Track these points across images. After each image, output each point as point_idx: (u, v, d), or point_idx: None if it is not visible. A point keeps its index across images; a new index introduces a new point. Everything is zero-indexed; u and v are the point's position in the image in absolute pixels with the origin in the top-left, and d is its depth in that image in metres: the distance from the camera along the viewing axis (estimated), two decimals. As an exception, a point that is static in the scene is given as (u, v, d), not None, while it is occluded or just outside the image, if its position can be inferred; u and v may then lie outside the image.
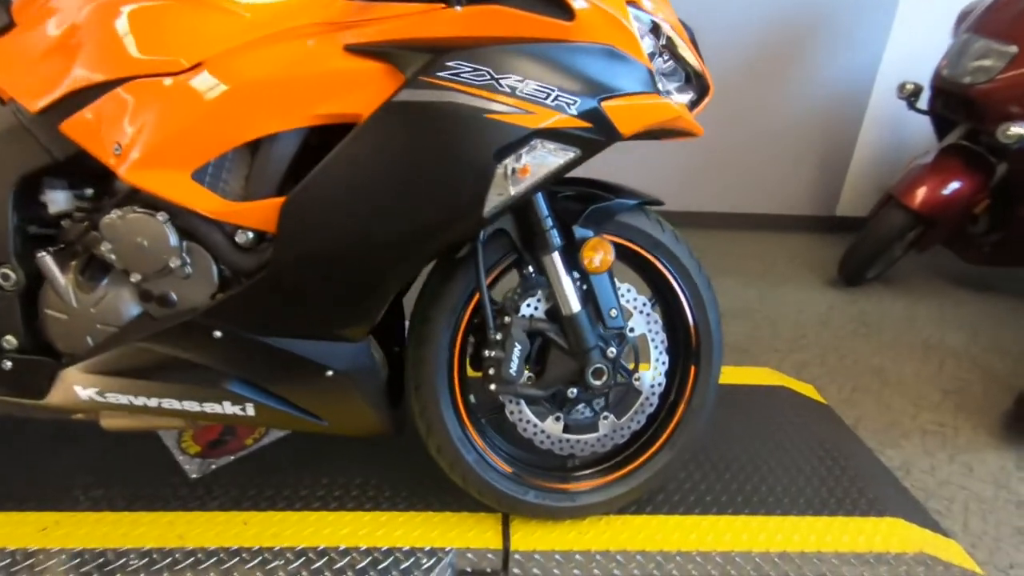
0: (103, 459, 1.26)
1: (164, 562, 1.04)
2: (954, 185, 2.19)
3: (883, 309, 2.35)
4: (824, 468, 1.34)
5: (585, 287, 1.02)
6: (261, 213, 0.86)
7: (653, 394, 1.13)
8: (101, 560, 1.04)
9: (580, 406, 1.12)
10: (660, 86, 0.90)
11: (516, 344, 1.00)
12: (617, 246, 1.05)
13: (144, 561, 1.04)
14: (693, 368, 1.16)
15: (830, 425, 1.58)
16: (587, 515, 1.16)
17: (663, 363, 1.13)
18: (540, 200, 0.98)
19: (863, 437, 1.59)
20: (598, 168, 1.02)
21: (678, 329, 1.15)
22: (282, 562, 1.05)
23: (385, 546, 1.09)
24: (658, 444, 1.17)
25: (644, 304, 1.10)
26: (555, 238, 0.99)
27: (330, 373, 0.94)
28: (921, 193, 2.22)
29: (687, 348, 1.16)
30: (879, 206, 2.44)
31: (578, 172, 0.93)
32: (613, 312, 1.04)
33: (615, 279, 1.06)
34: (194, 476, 1.23)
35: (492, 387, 1.01)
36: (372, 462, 1.28)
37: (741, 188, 3.18)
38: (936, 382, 1.88)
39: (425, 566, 1.06)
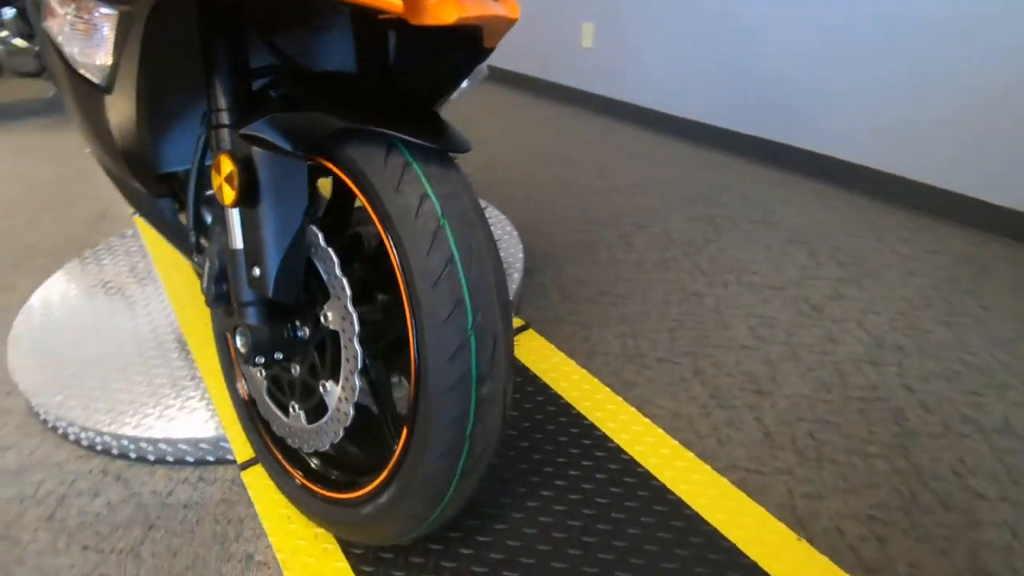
0: None
1: None
2: None
3: None
4: None
5: None
6: None
7: (339, 422, 0.73)
8: None
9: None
10: None
11: (212, 259, 0.81)
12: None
13: None
14: (405, 432, 0.67)
15: None
16: (295, 506, 0.90)
17: (353, 388, 0.70)
18: (220, 77, 0.71)
19: None
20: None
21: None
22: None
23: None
24: (352, 492, 0.77)
25: (343, 290, 0.68)
26: (220, 136, 0.71)
27: (134, 214, 1.02)
28: None
29: (411, 400, 0.67)
30: None
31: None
32: (256, 271, 0.70)
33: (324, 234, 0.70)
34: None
35: None
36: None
37: None
38: None
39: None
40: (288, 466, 0.89)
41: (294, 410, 0.82)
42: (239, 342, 0.76)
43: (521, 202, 2.15)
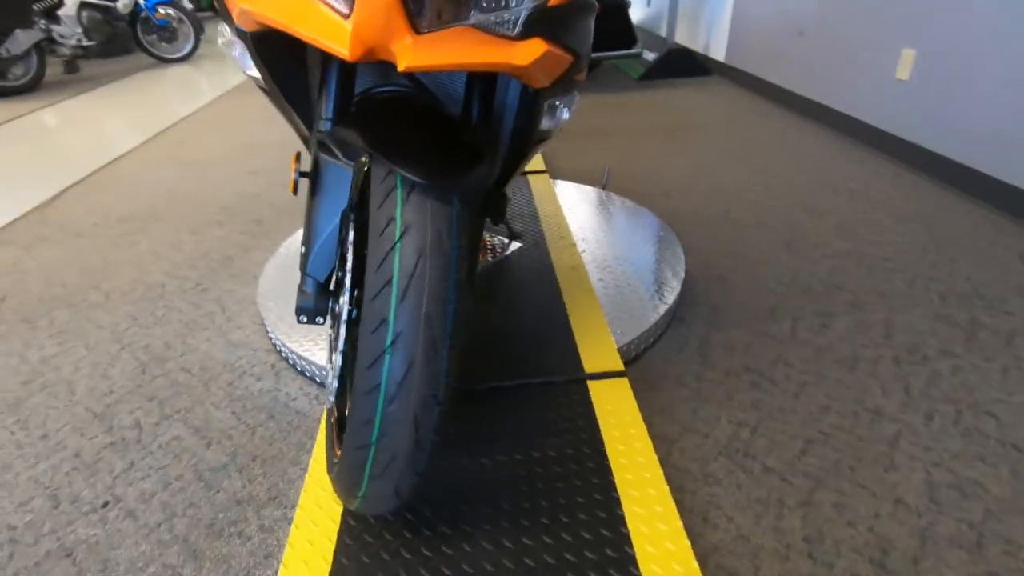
0: None
1: None
2: None
3: None
4: None
5: None
6: None
7: (331, 390, 0.83)
8: None
9: None
10: None
11: None
12: None
13: None
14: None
15: None
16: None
17: (335, 365, 0.79)
18: (325, 89, 0.85)
19: None
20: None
21: None
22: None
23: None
24: (336, 448, 0.87)
25: (346, 283, 0.77)
26: (310, 138, 0.86)
27: None
28: None
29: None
30: None
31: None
32: (303, 248, 0.83)
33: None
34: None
35: None
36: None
37: None
38: None
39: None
40: (336, 405, 1.06)
41: (330, 363, 0.98)
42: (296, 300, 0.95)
43: (728, 245, 1.93)
